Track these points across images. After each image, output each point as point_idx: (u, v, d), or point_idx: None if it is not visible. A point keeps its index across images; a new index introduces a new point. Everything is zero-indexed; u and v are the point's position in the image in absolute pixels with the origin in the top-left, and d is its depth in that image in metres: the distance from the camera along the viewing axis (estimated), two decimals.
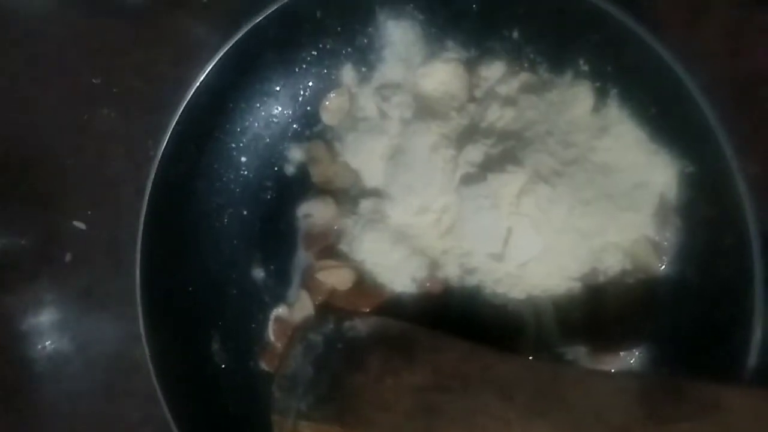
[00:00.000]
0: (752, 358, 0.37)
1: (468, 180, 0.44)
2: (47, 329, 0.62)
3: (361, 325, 0.46)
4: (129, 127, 0.62)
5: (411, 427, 0.41)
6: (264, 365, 0.51)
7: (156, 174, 0.49)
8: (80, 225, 0.62)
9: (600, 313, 0.45)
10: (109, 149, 0.62)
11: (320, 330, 0.48)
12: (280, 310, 0.52)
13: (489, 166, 0.43)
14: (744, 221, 0.38)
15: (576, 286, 0.44)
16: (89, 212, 0.62)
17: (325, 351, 0.47)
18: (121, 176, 0.61)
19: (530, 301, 0.46)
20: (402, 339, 0.44)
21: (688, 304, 0.44)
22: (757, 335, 0.38)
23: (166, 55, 0.62)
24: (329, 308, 0.50)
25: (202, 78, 0.49)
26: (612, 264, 0.44)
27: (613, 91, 0.46)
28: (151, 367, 0.48)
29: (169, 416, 0.47)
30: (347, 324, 0.47)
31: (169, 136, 0.49)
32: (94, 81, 0.63)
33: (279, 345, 0.51)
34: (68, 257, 0.62)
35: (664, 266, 0.44)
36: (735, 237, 0.39)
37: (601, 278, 0.45)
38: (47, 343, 0.62)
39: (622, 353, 0.45)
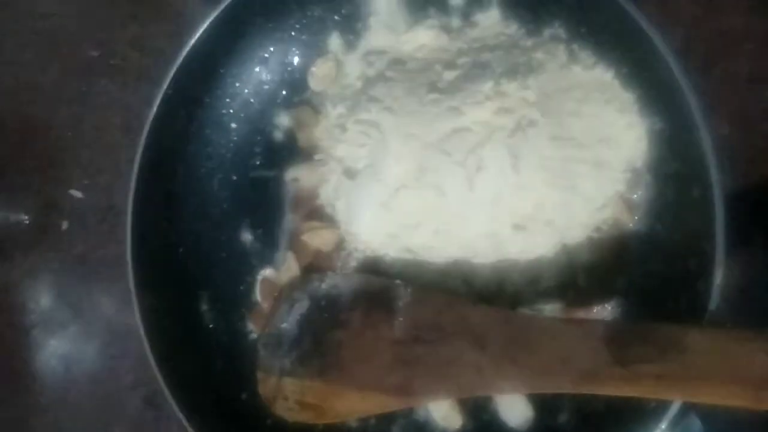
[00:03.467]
0: (713, 302, 0.39)
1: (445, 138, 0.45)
2: (43, 295, 0.64)
3: (343, 283, 0.48)
4: (125, 98, 0.64)
5: (390, 378, 0.43)
6: (251, 325, 0.53)
7: (147, 138, 0.51)
8: (77, 193, 0.64)
9: (573, 270, 0.46)
10: (106, 119, 0.64)
11: (305, 289, 0.49)
12: (267, 272, 0.53)
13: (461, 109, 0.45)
14: (708, 174, 0.40)
15: (549, 243, 0.45)
16: (86, 181, 0.64)
17: (308, 310, 0.48)
18: (118, 145, 0.63)
19: (504, 261, 0.47)
20: (382, 295, 0.45)
21: (657, 257, 0.45)
22: (717, 281, 0.39)
23: (162, 30, 0.64)
24: (314, 269, 0.51)
25: (192, 43, 0.50)
26: (585, 221, 0.45)
27: (587, 53, 0.47)
28: (141, 326, 0.49)
29: (158, 373, 0.48)
30: (330, 283, 0.48)
31: (160, 101, 0.50)
32: (92, 54, 0.65)
33: (265, 305, 0.52)
34: (65, 225, 0.64)
35: (635, 222, 0.46)
36: (700, 190, 0.40)
37: (575, 236, 0.46)
38: (43, 309, 0.64)
39: (595, 308, 0.46)
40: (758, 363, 0.33)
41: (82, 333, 0.63)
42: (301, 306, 0.49)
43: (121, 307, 0.61)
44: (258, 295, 0.53)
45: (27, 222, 0.65)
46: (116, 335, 0.61)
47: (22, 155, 0.65)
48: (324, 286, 0.48)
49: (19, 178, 0.65)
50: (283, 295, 0.51)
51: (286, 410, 0.47)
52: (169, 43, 0.62)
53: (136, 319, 0.50)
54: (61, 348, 0.63)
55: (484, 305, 0.43)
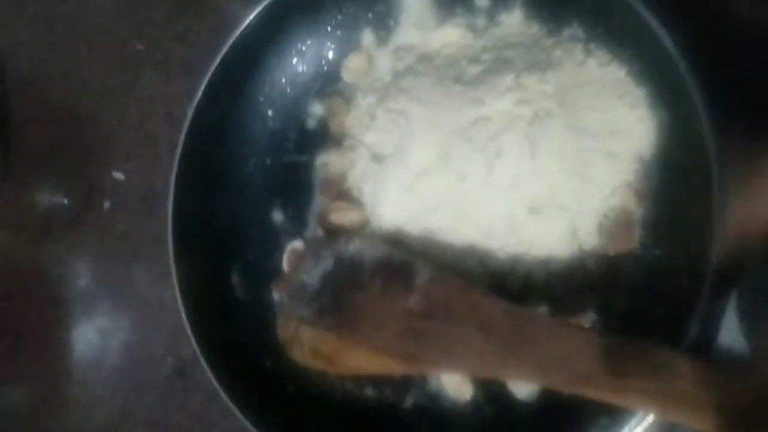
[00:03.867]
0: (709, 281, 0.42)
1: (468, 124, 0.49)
2: (84, 271, 0.68)
3: (368, 251, 0.50)
4: (168, 90, 0.67)
5: (400, 346, 0.46)
6: (276, 294, 0.56)
7: (191, 121, 0.54)
8: (119, 176, 0.68)
9: (583, 253, 0.49)
10: (150, 109, 0.68)
11: (331, 248, 0.52)
12: (295, 243, 0.56)
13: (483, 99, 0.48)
14: (709, 166, 0.43)
15: (561, 227, 0.48)
16: (128, 165, 0.67)
17: (333, 268, 0.51)
18: (159, 133, 0.67)
19: (518, 244, 0.49)
20: (403, 268, 0.48)
21: (661, 242, 0.48)
22: (714, 262, 0.42)
23: (205, 26, 0.68)
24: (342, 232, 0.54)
25: (235, 36, 0.54)
26: (595, 207, 0.48)
27: (602, 51, 0.50)
28: (177, 293, 0.52)
29: (191, 337, 0.51)
30: (356, 247, 0.51)
31: (204, 88, 0.54)
32: (138, 48, 0.69)
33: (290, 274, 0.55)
34: (107, 206, 0.67)
35: (642, 209, 0.49)
36: (701, 180, 0.43)
37: (585, 221, 0.49)
38: (83, 283, 0.67)
39: (603, 290, 0.49)
40: (736, 401, 0.36)
41: (118, 307, 0.66)
42: (326, 264, 0.51)
43: (155, 284, 0.64)
44: (285, 263, 0.56)
45: (71, 202, 0.68)
46: (150, 310, 0.64)
47: (70, 141, 0.69)
48: (350, 248, 0.51)
49: (67, 162, 0.69)
50: (310, 248, 0.54)
51: (300, 355, 0.50)
52: (212, 38, 0.66)
53: (171, 290, 0.53)
54: (97, 320, 0.66)
55: (495, 297, 0.46)
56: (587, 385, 0.40)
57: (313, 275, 0.51)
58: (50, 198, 0.69)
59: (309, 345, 0.49)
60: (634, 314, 0.48)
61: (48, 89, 0.70)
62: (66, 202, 0.68)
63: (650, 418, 0.43)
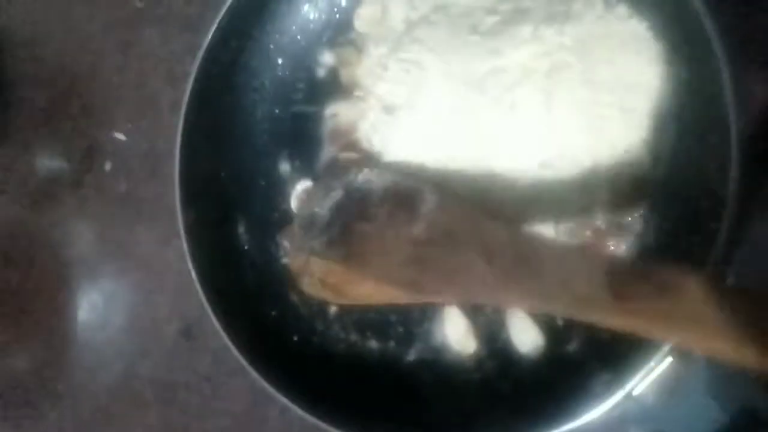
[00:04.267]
0: (721, 241, 0.41)
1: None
2: (86, 232, 0.67)
3: (376, 180, 0.50)
4: (169, 47, 0.66)
5: (403, 274, 0.46)
6: (283, 241, 0.56)
7: (199, 68, 0.53)
8: (120, 136, 0.67)
9: (593, 209, 0.49)
10: (150, 68, 0.66)
11: (341, 179, 0.52)
12: (304, 184, 0.57)
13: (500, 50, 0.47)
14: (728, 123, 0.42)
15: (573, 182, 0.48)
16: (129, 125, 0.66)
17: (341, 199, 0.51)
18: (160, 92, 0.66)
19: (528, 197, 0.49)
20: (409, 197, 0.48)
21: (673, 200, 0.47)
22: (728, 222, 0.41)
23: None
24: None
25: None
26: (608, 162, 0.48)
27: (623, 5, 0.49)
28: (185, 246, 0.52)
29: (197, 286, 0.51)
30: (365, 177, 0.51)
31: (213, 33, 0.53)
32: (138, 5, 0.67)
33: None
34: (108, 166, 0.66)
35: (655, 165, 0.48)
36: (718, 138, 0.43)
37: (597, 176, 0.48)
38: (86, 244, 0.67)
39: (611, 247, 0.49)
40: (744, 319, 0.35)
41: (121, 268, 0.66)
42: (336, 194, 0.51)
43: (159, 244, 0.64)
44: (293, 202, 0.56)
45: (72, 164, 0.67)
46: (154, 270, 0.64)
47: (69, 100, 0.68)
48: (360, 178, 0.51)
49: (66, 122, 0.68)
50: (321, 180, 0.54)
51: (309, 286, 0.51)
52: None
53: (175, 250, 0.54)
54: (101, 283, 0.66)
55: (500, 221, 0.46)
56: (590, 309, 0.39)
57: (323, 207, 0.51)
58: (50, 160, 0.69)
59: (318, 276, 0.49)
60: None
61: (46, 48, 0.69)
62: (66, 163, 0.68)
63: (654, 374, 0.43)
